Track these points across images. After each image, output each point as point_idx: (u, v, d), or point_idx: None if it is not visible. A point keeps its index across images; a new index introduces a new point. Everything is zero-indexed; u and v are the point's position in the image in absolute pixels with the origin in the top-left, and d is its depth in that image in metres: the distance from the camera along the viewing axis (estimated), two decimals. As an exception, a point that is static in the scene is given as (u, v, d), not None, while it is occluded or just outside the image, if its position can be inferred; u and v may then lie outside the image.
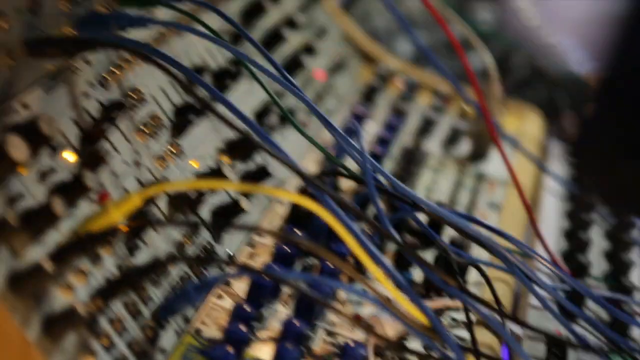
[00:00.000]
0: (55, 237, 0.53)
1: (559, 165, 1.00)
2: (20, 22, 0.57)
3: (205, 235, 0.66)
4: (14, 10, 0.56)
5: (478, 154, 0.93)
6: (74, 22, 0.62)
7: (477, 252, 0.74)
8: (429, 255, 0.74)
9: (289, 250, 0.68)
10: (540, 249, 0.78)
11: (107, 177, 0.60)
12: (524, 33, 1.37)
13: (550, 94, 1.27)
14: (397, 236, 0.63)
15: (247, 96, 0.80)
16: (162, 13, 0.73)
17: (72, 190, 0.55)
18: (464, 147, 0.95)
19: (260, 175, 0.73)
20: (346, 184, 0.79)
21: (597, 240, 0.86)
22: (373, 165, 0.64)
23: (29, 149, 0.52)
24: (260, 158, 0.75)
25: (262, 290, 0.63)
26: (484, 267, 0.69)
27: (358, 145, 0.65)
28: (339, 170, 0.71)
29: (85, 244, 0.53)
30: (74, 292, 0.53)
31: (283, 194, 0.62)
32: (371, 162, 0.64)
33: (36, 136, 0.53)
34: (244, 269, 0.62)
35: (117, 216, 0.54)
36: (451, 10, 1.03)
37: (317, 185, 0.59)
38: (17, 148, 0.51)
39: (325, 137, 0.87)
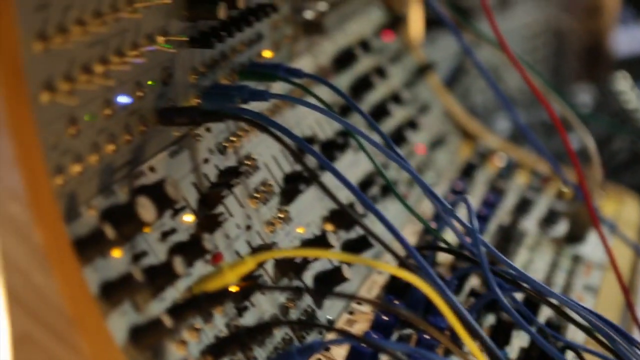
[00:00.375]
0: (173, 294, 0.57)
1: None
2: (154, 92, 0.61)
3: (307, 300, 0.69)
4: (149, 81, 0.60)
5: (575, 236, 0.94)
6: (200, 93, 0.66)
7: (573, 335, 0.75)
8: (524, 336, 0.74)
9: (387, 320, 0.69)
10: (637, 335, 0.77)
11: (220, 239, 0.63)
12: (623, 116, 1.37)
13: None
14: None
15: (351, 167, 0.82)
16: (276, 85, 0.77)
17: (190, 250, 0.58)
18: (561, 228, 0.95)
19: (361, 244, 0.75)
20: (442, 257, 0.81)
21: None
22: (483, 243, 0.66)
23: (158, 211, 0.55)
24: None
25: (361, 358, 0.64)
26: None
27: (468, 220, 0.67)
28: (439, 245, 0.73)
29: (200, 303, 0.56)
30: (187, 347, 0.56)
31: (384, 267, 0.64)
32: (482, 241, 0.66)
33: (162, 198, 0.56)
34: (346, 336, 0.64)
35: (231, 278, 0.57)
36: (551, 91, 1.04)
37: (419, 258, 0.61)
38: (146, 209, 0.54)
39: (424, 209, 0.89)
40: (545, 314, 0.78)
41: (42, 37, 0.50)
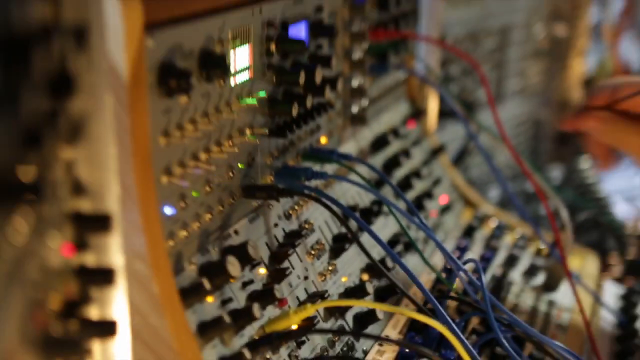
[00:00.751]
0: (251, 331, 0.56)
1: (610, 298, 0.98)
2: (241, 172, 0.61)
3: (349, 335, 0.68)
4: (239, 164, 0.60)
5: (550, 286, 0.92)
6: (274, 172, 0.66)
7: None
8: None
9: (409, 352, 0.68)
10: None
11: (285, 287, 0.63)
12: (585, 189, 1.36)
13: (601, 237, 1.25)
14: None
15: (382, 229, 0.82)
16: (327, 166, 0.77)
17: (264, 297, 0.58)
18: (539, 279, 0.94)
19: (390, 289, 0.74)
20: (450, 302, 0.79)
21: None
22: (490, 297, 0.66)
23: (241, 267, 0.55)
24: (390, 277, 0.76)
25: (389, 384, 0.63)
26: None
27: (477, 279, 0.66)
28: (453, 295, 0.73)
29: (271, 339, 0.55)
30: (260, 375, 0.55)
31: (411, 314, 0.63)
32: (489, 296, 0.65)
33: (245, 257, 0.56)
34: (378, 367, 0.63)
35: (296, 320, 0.57)
36: (531, 168, 1.03)
37: (439, 308, 0.61)
38: (233, 266, 0.54)
39: (435, 262, 0.88)
40: (528, 348, 0.77)
41: (165, 133, 0.50)
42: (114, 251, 0.45)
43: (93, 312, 0.44)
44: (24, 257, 0.34)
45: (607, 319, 0.92)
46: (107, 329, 0.42)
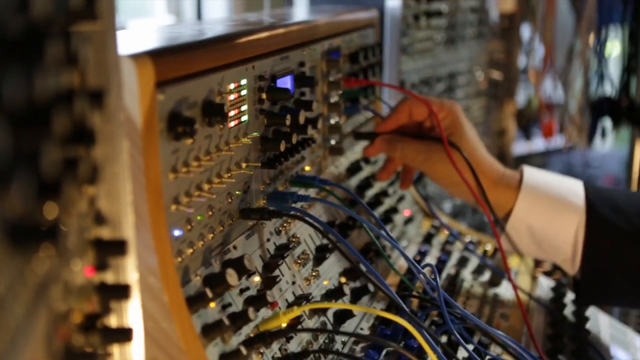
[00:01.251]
0: (247, 331, 0.54)
1: (543, 290, 0.97)
2: (239, 198, 0.60)
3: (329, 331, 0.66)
4: (236, 191, 0.59)
5: (494, 282, 0.91)
6: (266, 197, 0.64)
7: (494, 349, 0.72)
8: (464, 352, 0.71)
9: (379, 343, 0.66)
10: (532, 347, 0.75)
11: (276, 292, 0.61)
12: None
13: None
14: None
15: (356, 239, 0.80)
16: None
17: (258, 301, 0.56)
18: (486, 276, 0.93)
19: (363, 290, 0.73)
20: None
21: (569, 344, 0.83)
22: (444, 295, 0.64)
23: (238, 277, 0.53)
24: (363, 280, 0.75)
25: (363, 370, 0.61)
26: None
27: (433, 279, 0.65)
28: (414, 294, 0.71)
29: (264, 337, 0.54)
30: (255, 366, 0.53)
31: (379, 312, 0.62)
32: (444, 293, 0.64)
33: (242, 268, 0.54)
34: (352, 358, 0.61)
35: (284, 320, 0.55)
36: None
37: (403, 307, 0.59)
38: (232, 276, 0.52)
39: (400, 265, 0.86)
40: (478, 335, 0.75)
41: (174, 169, 0.49)
42: (129, 269, 0.43)
43: (112, 321, 0.42)
44: (49, 282, 0.32)
45: (540, 308, 0.91)
46: (124, 335, 0.40)
